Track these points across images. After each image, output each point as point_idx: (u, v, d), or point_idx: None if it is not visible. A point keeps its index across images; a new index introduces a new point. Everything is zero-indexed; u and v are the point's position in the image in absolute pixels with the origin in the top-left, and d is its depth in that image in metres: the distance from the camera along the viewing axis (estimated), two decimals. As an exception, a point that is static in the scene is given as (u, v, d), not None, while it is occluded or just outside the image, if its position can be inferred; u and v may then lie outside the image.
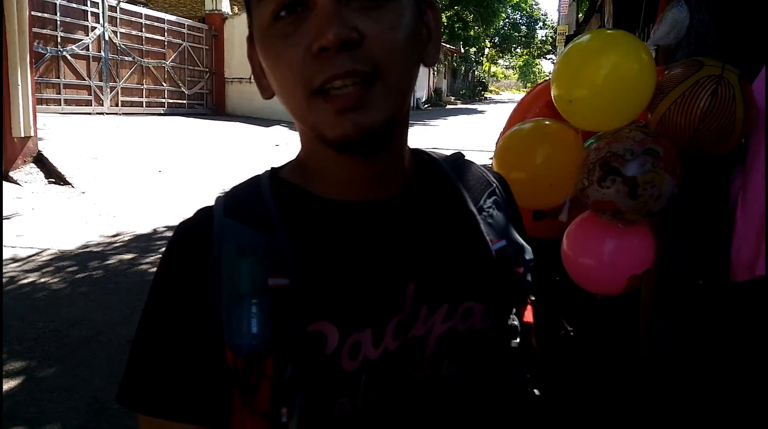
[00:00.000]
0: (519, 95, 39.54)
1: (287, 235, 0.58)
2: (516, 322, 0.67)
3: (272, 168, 0.67)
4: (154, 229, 5.43)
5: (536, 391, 0.68)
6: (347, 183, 0.62)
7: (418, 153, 0.70)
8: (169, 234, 4.54)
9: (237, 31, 15.28)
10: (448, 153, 0.75)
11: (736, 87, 1.28)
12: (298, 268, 0.57)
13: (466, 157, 0.75)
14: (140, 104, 12.51)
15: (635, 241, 1.43)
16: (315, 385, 0.55)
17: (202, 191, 7.21)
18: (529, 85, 49.16)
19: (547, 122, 1.46)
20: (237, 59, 15.39)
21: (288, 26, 0.55)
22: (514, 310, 0.67)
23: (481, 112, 25.10)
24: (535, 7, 38.71)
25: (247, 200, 0.62)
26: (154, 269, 0.63)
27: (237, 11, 15.65)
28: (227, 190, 0.66)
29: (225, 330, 0.55)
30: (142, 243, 4.98)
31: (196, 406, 0.58)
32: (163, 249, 0.63)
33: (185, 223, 0.63)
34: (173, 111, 13.43)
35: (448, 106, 27.50)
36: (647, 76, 1.31)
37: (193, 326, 0.58)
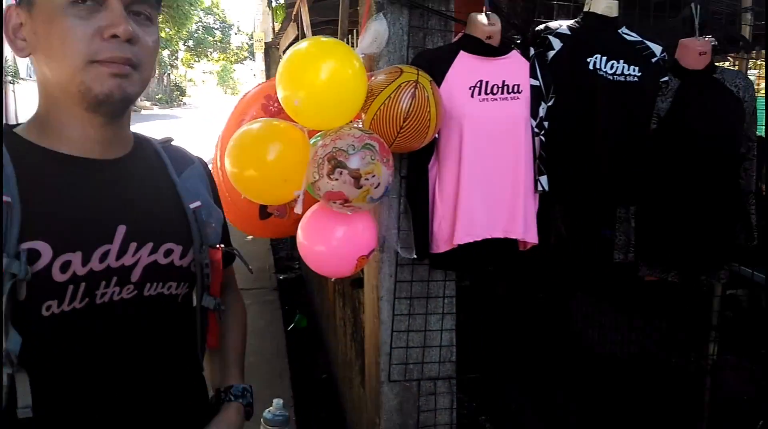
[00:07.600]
0: (219, 102, 39.25)
1: (12, 166, 0.76)
2: (207, 261, 0.96)
3: (6, 124, 0.84)
4: None
5: (222, 307, 1.01)
6: (83, 141, 0.84)
7: (136, 134, 0.96)
8: None
9: None
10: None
11: (429, 90, 1.55)
12: (19, 191, 0.75)
13: (174, 141, 1.05)
14: None
15: (360, 226, 1.61)
16: (23, 287, 0.73)
17: None
18: (229, 91, 49.06)
19: (275, 122, 1.54)
20: None
21: (82, 11, 0.78)
22: (208, 251, 0.96)
23: (178, 117, 24.37)
24: (227, 11, 38.66)
25: None
26: None
27: None
28: None
29: None
30: None
31: None
32: None
33: None
34: None
35: (144, 112, 25.77)
36: (360, 81, 1.48)
37: None
